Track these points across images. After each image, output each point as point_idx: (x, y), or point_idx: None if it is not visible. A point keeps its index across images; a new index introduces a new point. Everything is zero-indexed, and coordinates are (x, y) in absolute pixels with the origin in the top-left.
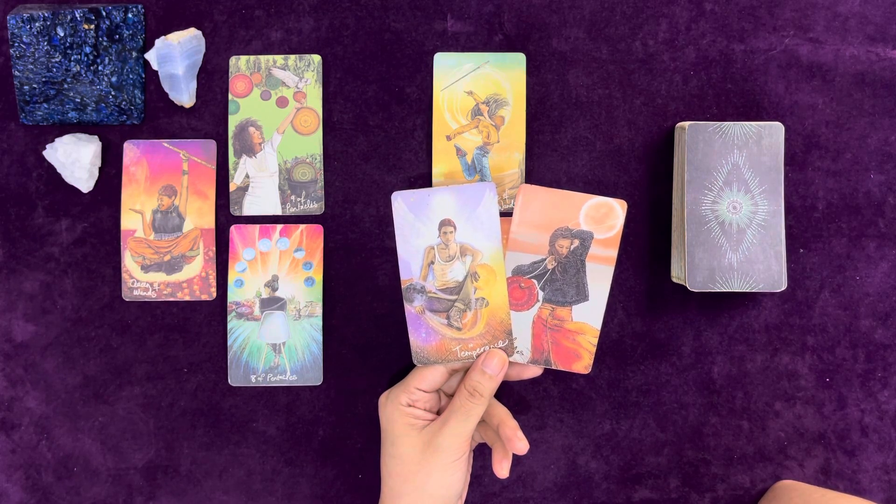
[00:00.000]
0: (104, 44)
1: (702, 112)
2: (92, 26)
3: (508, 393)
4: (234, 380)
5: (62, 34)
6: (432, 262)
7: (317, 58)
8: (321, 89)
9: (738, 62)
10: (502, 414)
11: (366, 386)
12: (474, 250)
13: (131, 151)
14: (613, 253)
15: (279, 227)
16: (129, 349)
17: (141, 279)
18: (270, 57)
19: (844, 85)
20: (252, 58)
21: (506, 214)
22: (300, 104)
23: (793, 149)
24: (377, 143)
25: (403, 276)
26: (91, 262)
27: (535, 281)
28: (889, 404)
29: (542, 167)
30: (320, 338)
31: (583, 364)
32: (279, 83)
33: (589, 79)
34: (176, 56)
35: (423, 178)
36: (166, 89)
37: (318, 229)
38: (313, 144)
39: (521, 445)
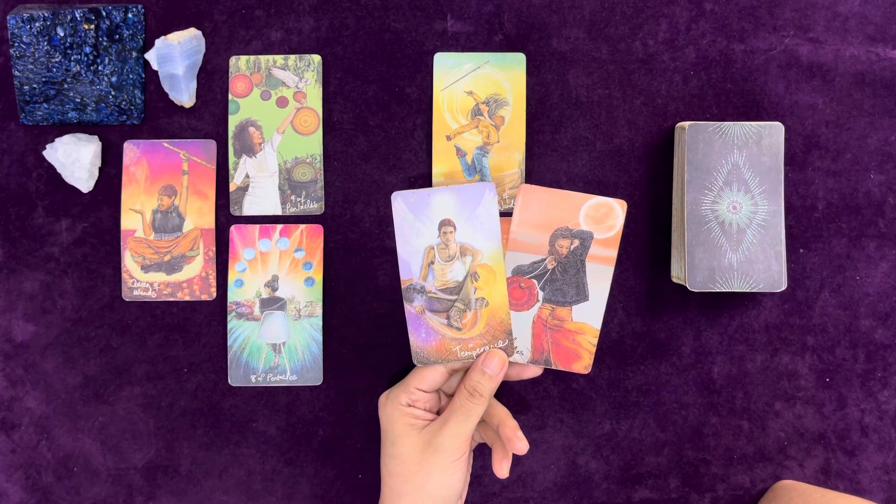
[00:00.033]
0: (104, 44)
1: (702, 112)
2: (92, 26)
3: (508, 393)
4: (234, 380)
5: (62, 34)
6: (432, 262)
7: (317, 58)
8: (321, 89)
9: (738, 62)
10: (502, 414)
11: (366, 386)
12: (474, 250)
13: (131, 151)
14: (613, 253)
15: (279, 227)
16: (129, 349)
17: (141, 279)
18: (270, 57)
19: (844, 85)
20: (252, 58)
21: (506, 214)
22: (300, 104)
23: (793, 149)
24: (377, 143)
25: (403, 276)
26: (91, 262)
27: (535, 281)
28: (889, 404)
29: (542, 167)
30: (320, 338)
31: (583, 364)
32: (279, 83)
33: (589, 79)
34: (176, 56)
35: (423, 178)
36: (166, 89)
37: (318, 229)
38: (313, 144)
39: (521, 445)
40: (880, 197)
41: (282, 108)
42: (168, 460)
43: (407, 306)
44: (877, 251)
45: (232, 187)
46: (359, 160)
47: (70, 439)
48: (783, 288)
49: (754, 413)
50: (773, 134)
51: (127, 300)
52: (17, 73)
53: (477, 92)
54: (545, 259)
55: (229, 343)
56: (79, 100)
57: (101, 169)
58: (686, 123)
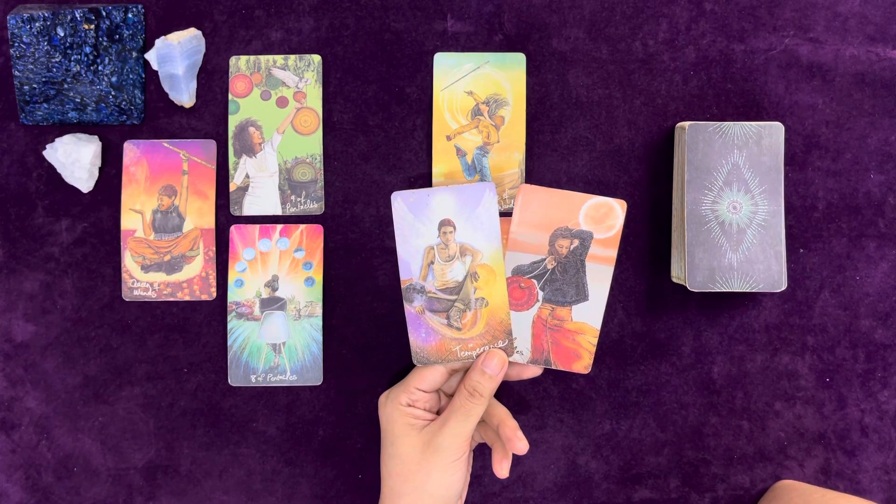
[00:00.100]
0: (104, 44)
1: (702, 112)
2: (92, 26)
3: (508, 393)
4: (234, 380)
5: (62, 34)
6: (432, 262)
7: (317, 58)
8: (321, 89)
9: (738, 62)
10: (502, 414)
11: (366, 386)
12: (474, 250)
13: (131, 151)
14: (613, 253)
15: (279, 227)
16: (129, 349)
17: (141, 279)
18: (270, 57)
19: (844, 85)
20: (252, 58)
21: (506, 214)
22: (300, 104)
23: (793, 149)
24: (377, 143)
25: (403, 276)
26: (91, 262)
27: (534, 281)
28: (889, 404)
29: (542, 167)
30: (320, 338)
31: (583, 364)
32: (279, 83)
33: (589, 79)
34: (176, 56)
35: (423, 178)
36: (166, 89)
37: (318, 229)
38: (313, 144)
39: (521, 445)
40: (880, 197)
41: (282, 108)
42: (168, 460)
43: (407, 306)
44: (877, 251)
45: (232, 187)
46: (359, 160)
47: (70, 439)
48: (783, 288)
49: (754, 413)
50: (773, 134)
51: (127, 300)
52: (17, 73)
53: (477, 92)
54: (545, 259)
55: (229, 343)
56: (79, 100)
57: (101, 169)
58: (686, 123)
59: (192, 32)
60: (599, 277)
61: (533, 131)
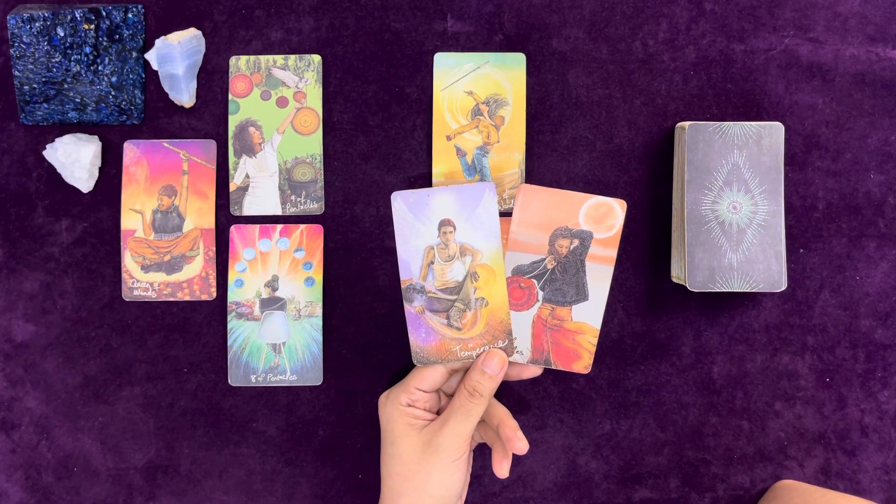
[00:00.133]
0: (104, 44)
1: (702, 112)
2: (92, 26)
3: (508, 393)
4: (234, 380)
5: (62, 34)
6: (432, 262)
7: (317, 58)
8: (321, 89)
9: (738, 62)
10: (502, 414)
11: (366, 386)
12: (474, 250)
13: (131, 151)
14: (613, 253)
15: (279, 227)
16: (129, 349)
17: (141, 279)
18: (270, 57)
19: (844, 85)
20: (252, 58)
21: (506, 214)
22: (300, 104)
23: (793, 149)
24: (377, 143)
25: (403, 276)
26: (91, 262)
27: (534, 281)
28: (889, 404)
29: (542, 167)
30: (320, 338)
31: (583, 364)
32: (279, 83)
33: (589, 79)
34: (176, 56)
35: (423, 178)
36: (166, 89)
37: (318, 229)
38: (313, 144)
39: (521, 445)
40: (880, 197)
41: (282, 108)
42: (168, 460)
43: (407, 306)
44: (877, 251)
45: (232, 187)
46: (359, 160)
47: (70, 439)
48: (783, 288)
49: (754, 413)
50: (773, 134)
51: (127, 300)
52: (17, 73)
53: (477, 92)
54: (545, 259)
55: (229, 343)
56: (79, 100)
57: (101, 169)
58: (686, 123)
59: (192, 32)
60: (599, 277)
61: (533, 131)
